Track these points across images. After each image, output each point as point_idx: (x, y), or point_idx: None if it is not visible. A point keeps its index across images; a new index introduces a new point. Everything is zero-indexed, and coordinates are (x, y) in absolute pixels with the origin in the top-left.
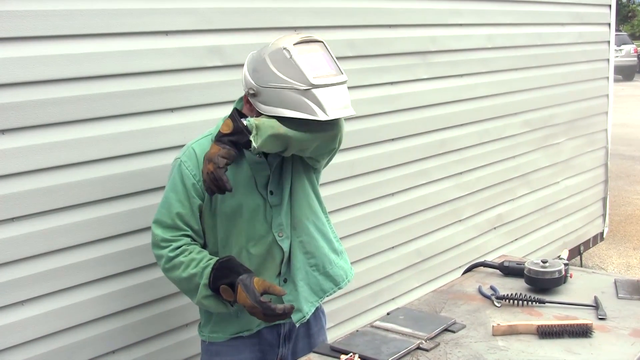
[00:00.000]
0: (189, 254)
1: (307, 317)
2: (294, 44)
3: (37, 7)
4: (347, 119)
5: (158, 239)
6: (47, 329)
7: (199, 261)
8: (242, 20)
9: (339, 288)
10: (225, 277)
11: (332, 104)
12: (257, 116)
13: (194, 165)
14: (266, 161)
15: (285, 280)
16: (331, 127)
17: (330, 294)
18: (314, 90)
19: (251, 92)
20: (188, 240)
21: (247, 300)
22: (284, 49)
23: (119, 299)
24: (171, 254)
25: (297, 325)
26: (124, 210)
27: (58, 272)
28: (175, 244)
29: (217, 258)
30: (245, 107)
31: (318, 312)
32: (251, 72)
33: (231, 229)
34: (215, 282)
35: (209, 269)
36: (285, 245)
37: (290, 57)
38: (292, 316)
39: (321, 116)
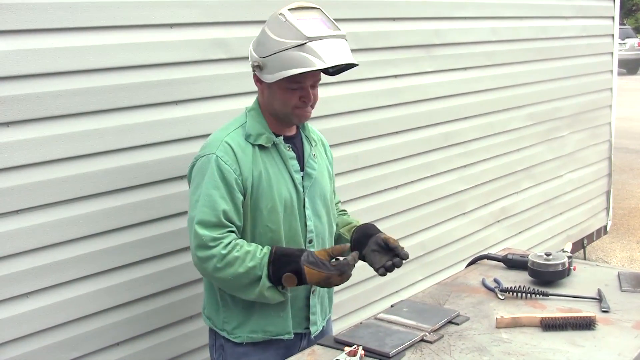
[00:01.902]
0: (241, 248)
1: (319, 330)
2: (289, 9)
3: (42, 0)
4: (350, 113)
5: (206, 239)
6: (51, 321)
7: (254, 254)
8: (247, 13)
9: (330, 315)
10: (285, 265)
11: (329, 54)
12: (263, 92)
13: (232, 160)
14: (295, 157)
15: (314, 292)
16: None
17: (323, 320)
18: (310, 43)
19: (256, 64)
20: (234, 236)
21: (321, 274)
22: (280, 14)
23: (124, 291)
24: (224, 252)
25: (313, 337)
26: (129, 202)
27: (62, 264)
28: (225, 241)
29: (268, 249)
30: (259, 92)
31: None
32: (255, 48)
33: (271, 227)
34: (276, 273)
35: (265, 260)
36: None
37: (286, 19)
38: (310, 328)
39: (319, 65)
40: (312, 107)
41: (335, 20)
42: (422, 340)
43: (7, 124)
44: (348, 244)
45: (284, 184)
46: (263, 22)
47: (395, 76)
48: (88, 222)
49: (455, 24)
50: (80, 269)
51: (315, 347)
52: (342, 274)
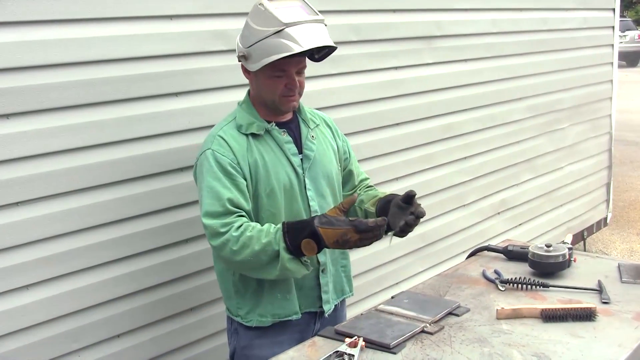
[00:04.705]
0: (253, 228)
1: (332, 308)
2: (270, 0)
3: None
4: (351, 104)
5: (216, 226)
6: (52, 313)
7: (267, 231)
8: (247, 5)
9: (351, 295)
10: (300, 232)
11: (306, 38)
12: (252, 82)
13: (227, 150)
14: (292, 141)
15: (323, 271)
16: None
17: (343, 299)
18: (287, 29)
19: (241, 54)
20: (245, 219)
21: (337, 231)
22: (259, 4)
23: (124, 283)
24: (236, 234)
25: (327, 315)
26: (129, 194)
27: (62, 256)
28: (236, 224)
29: (279, 224)
30: (250, 83)
31: None
32: (240, 39)
33: (273, 211)
34: (294, 242)
35: (280, 234)
36: None
37: (265, 9)
38: (324, 307)
39: (296, 49)
40: (300, 94)
41: (337, 11)
42: (422, 331)
43: (7, 115)
44: (357, 194)
45: (282, 168)
46: None
47: (396, 68)
48: (89, 214)
49: (455, 15)
50: (81, 261)
51: (316, 339)
52: (361, 232)
